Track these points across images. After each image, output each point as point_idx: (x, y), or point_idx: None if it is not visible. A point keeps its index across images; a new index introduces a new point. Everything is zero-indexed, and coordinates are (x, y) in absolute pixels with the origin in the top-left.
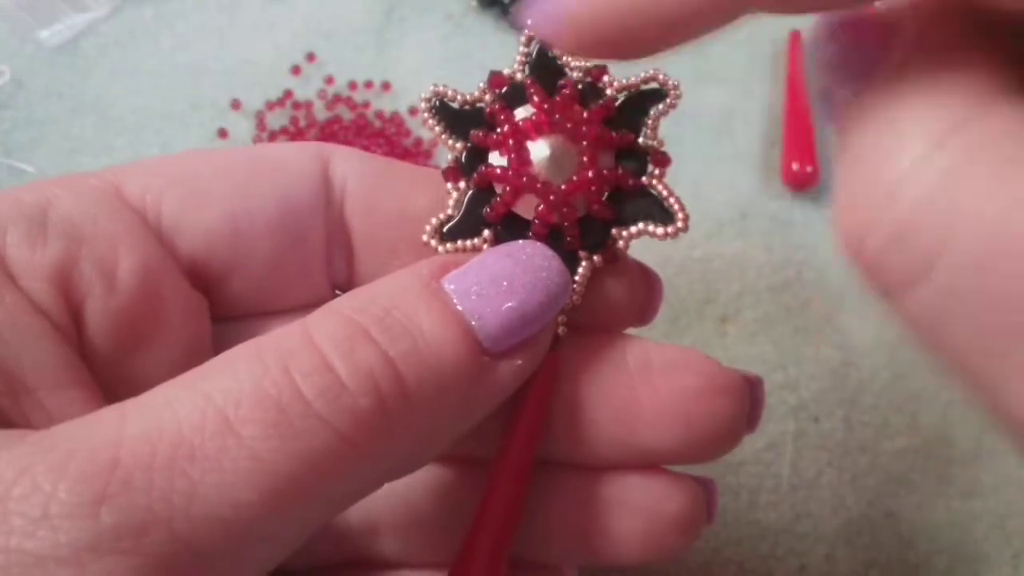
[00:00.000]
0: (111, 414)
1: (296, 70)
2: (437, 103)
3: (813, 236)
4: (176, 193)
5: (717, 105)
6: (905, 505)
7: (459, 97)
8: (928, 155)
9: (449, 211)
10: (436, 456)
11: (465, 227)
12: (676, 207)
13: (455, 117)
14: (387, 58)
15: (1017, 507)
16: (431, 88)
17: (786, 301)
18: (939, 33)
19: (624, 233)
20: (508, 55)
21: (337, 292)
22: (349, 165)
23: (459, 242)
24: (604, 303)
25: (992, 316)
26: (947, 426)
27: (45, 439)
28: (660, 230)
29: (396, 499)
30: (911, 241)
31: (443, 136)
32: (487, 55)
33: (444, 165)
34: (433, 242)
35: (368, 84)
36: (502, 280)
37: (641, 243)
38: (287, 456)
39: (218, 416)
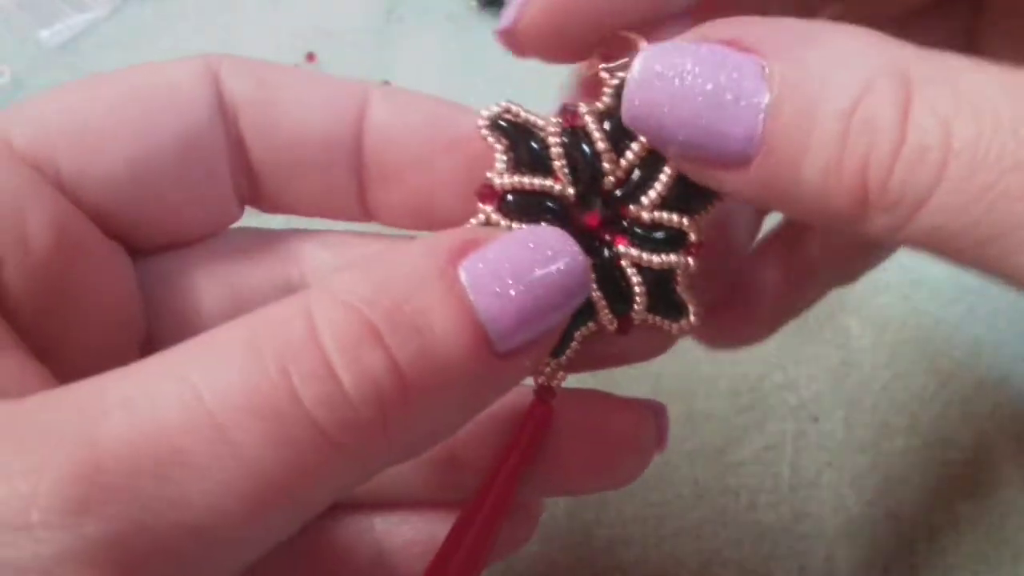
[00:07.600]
0: (90, 400)
1: None
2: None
3: None
4: (70, 144)
5: None
6: (905, 505)
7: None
8: (893, 85)
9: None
10: (424, 453)
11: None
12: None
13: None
14: (387, 58)
15: (1017, 507)
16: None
17: None
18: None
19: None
20: (507, 55)
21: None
22: (238, 82)
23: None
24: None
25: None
26: (947, 426)
27: (15, 421)
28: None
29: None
30: (916, 159)
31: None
32: (487, 55)
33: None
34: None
35: None
36: (523, 275)
37: None
38: (279, 464)
39: (209, 420)
